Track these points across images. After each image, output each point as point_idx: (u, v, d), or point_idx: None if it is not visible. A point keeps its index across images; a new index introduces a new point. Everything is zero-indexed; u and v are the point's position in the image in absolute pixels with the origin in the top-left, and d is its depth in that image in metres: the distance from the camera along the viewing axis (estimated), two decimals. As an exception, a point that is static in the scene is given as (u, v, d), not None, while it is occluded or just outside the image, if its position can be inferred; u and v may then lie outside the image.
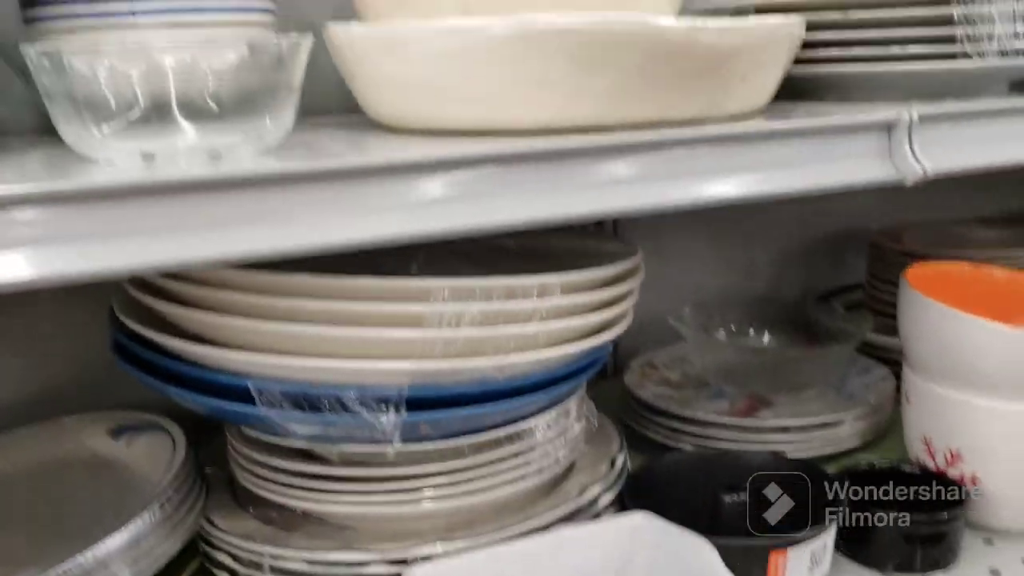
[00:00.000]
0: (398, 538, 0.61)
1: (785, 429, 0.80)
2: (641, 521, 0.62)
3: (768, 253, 1.12)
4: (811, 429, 0.81)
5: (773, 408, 0.85)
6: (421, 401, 0.55)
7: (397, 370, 0.52)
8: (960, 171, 0.62)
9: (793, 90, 0.75)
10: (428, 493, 0.58)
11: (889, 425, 0.85)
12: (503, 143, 0.50)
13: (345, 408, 0.52)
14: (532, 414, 0.62)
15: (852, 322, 0.90)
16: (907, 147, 0.61)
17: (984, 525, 0.73)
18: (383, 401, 0.53)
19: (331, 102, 0.74)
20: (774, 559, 0.62)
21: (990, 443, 0.70)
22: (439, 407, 0.55)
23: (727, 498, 0.68)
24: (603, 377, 1.01)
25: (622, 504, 0.68)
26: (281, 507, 0.63)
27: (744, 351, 0.90)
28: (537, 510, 0.64)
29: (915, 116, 0.60)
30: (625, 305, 0.63)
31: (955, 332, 0.69)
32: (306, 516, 0.63)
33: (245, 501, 0.66)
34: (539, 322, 0.55)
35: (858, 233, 1.11)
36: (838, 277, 1.14)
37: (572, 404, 0.65)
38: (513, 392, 0.57)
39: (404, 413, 0.53)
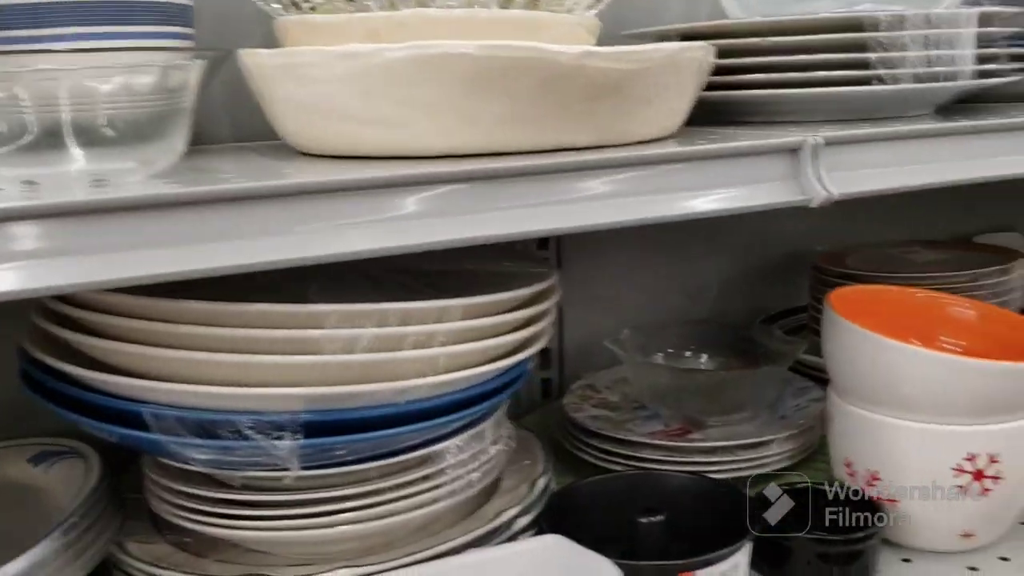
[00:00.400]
0: (313, 562, 0.61)
1: (712, 450, 0.80)
2: (552, 544, 0.62)
3: (716, 275, 1.12)
4: (738, 450, 0.81)
5: (706, 429, 0.86)
6: (322, 426, 0.55)
7: (290, 396, 0.52)
8: (867, 193, 0.63)
9: (715, 114, 0.76)
10: (335, 518, 0.58)
11: (820, 445, 0.86)
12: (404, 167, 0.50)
13: (240, 435, 0.52)
14: (443, 437, 0.62)
15: (787, 343, 0.91)
16: (812, 170, 0.61)
17: (904, 545, 0.73)
18: (278, 427, 0.53)
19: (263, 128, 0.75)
20: (683, 581, 0.62)
21: (907, 463, 0.70)
22: (340, 432, 0.55)
23: (643, 520, 0.68)
24: (547, 399, 1.02)
25: (543, 527, 0.68)
26: (196, 533, 0.63)
27: (679, 373, 0.90)
28: (453, 533, 0.64)
29: (820, 140, 0.61)
30: (536, 328, 0.63)
31: (872, 354, 0.70)
32: (222, 541, 0.63)
33: (162, 527, 0.66)
34: (440, 347, 0.55)
35: (807, 255, 1.11)
36: (786, 299, 1.14)
37: (487, 427, 0.65)
38: (419, 416, 0.57)
39: (300, 439, 0.53)
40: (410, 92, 0.53)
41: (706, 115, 0.77)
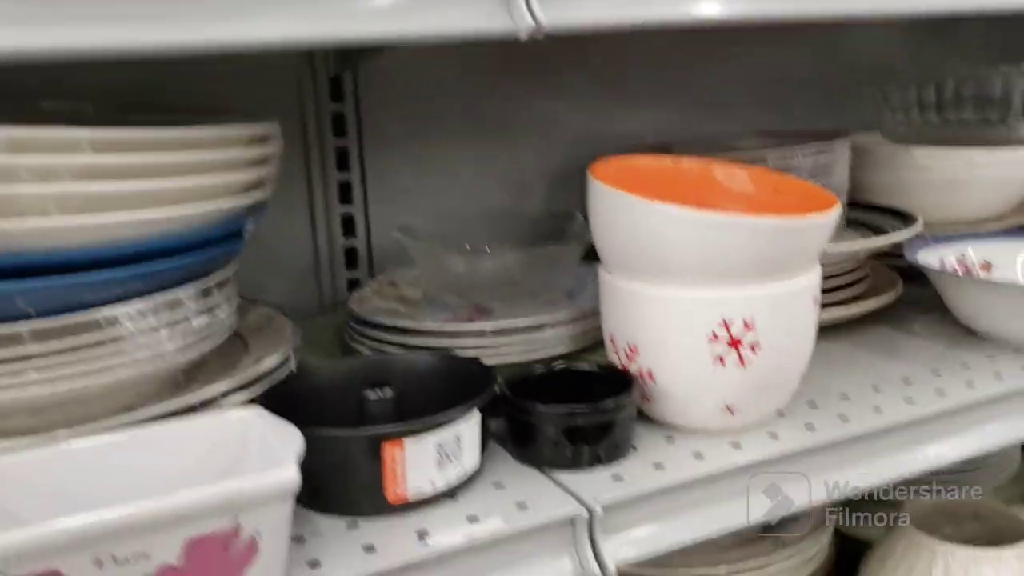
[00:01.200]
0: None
1: (483, 333, 0.75)
2: (245, 415, 0.57)
3: (544, 171, 1.07)
4: (512, 333, 0.75)
5: (491, 316, 0.80)
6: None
7: None
8: (587, 29, 0.57)
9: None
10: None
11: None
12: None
13: None
14: (118, 299, 0.56)
15: (583, 228, 0.85)
16: (522, -4, 0.55)
17: (667, 423, 0.69)
18: None
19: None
20: (389, 450, 0.57)
21: (661, 334, 0.65)
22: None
23: (371, 395, 0.63)
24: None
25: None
26: None
27: (464, 259, 0.84)
28: (146, 405, 0.59)
29: (529, -37, 0.55)
30: (212, 179, 0.56)
31: (622, 215, 0.65)
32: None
33: None
34: (68, 181, 0.49)
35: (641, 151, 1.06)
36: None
37: (185, 294, 0.59)
38: (62, 268, 0.51)
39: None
40: None
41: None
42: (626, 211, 0.64)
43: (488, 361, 0.71)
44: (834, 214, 0.65)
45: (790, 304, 0.65)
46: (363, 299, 0.85)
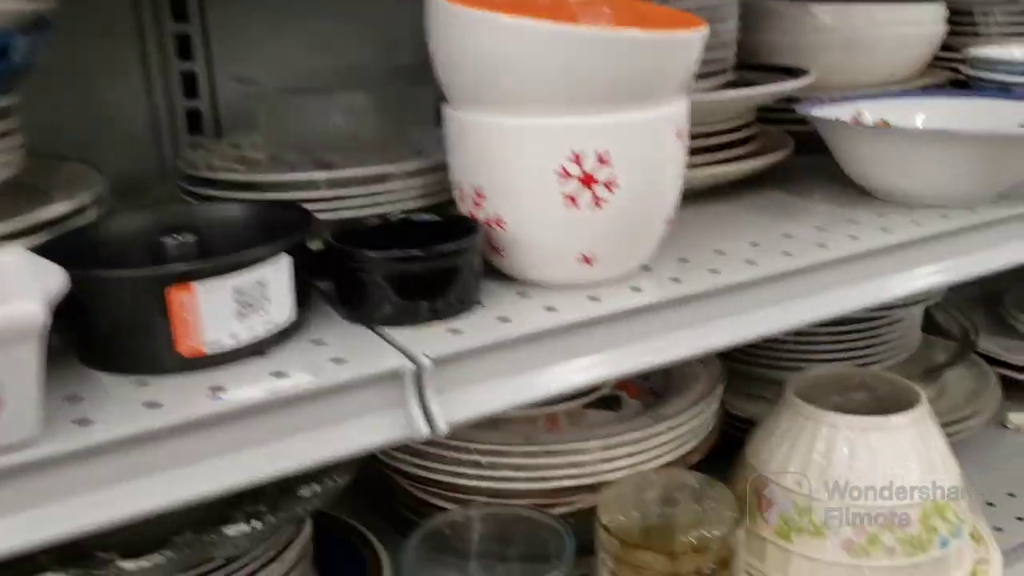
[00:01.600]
0: None
1: (314, 185, 0.67)
2: (8, 258, 0.49)
3: (414, 30, 0.97)
4: (350, 184, 0.67)
5: (333, 170, 0.72)
6: None
7: None
8: None
9: None
10: None
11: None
12: None
13: None
14: None
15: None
16: None
17: (521, 279, 0.62)
18: None
19: None
20: (176, 296, 0.49)
21: (506, 172, 0.58)
22: None
23: (169, 241, 0.54)
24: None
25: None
26: None
27: (310, 105, 0.75)
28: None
29: None
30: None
31: (465, 34, 0.56)
32: None
33: None
34: None
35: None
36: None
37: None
38: None
39: None
40: None
41: None
42: (466, 28, 0.56)
43: (325, 218, 0.64)
44: (701, 33, 0.58)
45: (651, 136, 0.58)
46: (197, 159, 0.76)
